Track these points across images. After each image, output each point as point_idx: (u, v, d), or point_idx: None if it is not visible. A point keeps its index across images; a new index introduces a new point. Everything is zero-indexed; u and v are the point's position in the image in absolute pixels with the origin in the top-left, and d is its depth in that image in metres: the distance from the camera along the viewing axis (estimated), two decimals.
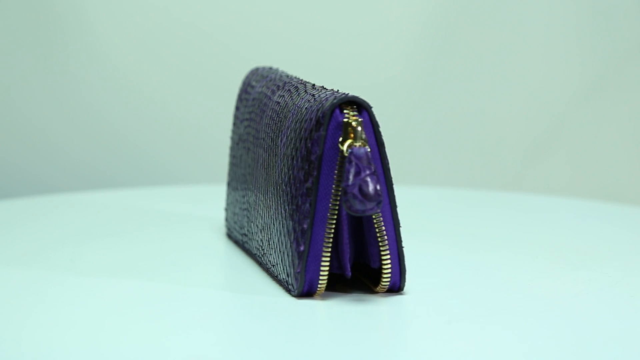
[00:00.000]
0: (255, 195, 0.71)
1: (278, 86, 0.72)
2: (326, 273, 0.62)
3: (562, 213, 0.98)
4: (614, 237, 0.85)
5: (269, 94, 0.73)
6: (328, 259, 0.61)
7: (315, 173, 0.61)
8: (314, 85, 0.67)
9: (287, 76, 0.73)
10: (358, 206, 0.58)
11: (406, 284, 0.64)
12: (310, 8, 1.27)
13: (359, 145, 0.59)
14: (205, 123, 1.25)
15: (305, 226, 0.61)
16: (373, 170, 0.58)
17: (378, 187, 0.58)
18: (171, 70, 1.24)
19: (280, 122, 0.68)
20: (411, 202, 1.00)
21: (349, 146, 0.59)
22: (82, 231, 0.84)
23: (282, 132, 0.67)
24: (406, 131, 1.28)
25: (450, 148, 1.29)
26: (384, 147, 0.61)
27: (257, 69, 0.80)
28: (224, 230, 0.82)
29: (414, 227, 0.86)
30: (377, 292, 0.64)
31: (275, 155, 0.68)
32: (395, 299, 0.62)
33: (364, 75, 1.26)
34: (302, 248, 0.62)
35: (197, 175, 1.24)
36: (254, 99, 0.76)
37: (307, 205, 0.61)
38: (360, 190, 0.58)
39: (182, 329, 0.57)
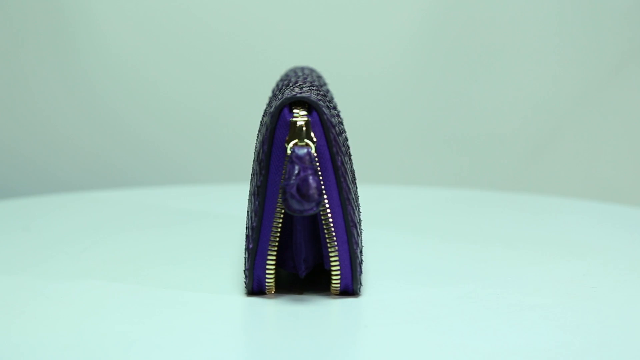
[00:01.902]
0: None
1: (283, 83, 0.72)
2: (272, 271, 0.61)
3: (562, 213, 0.95)
4: (612, 237, 0.83)
5: (276, 92, 0.73)
6: (274, 257, 0.61)
7: (264, 172, 0.61)
8: (301, 83, 0.67)
9: (299, 75, 0.73)
10: (296, 206, 0.57)
11: (376, 285, 0.63)
12: (312, 11, 1.26)
13: (302, 145, 0.59)
14: (218, 123, 1.25)
15: (254, 224, 0.61)
16: (314, 170, 0.58)
17: (318, 188, 0.58)
18: (188, 70, 1.25)
19: (262, 120, 0.68)
20: (410, 202, 0.99)
21: (293, 146, 0.59)
22: (93, 228, 0.86)
23: (260, 130, 0.68)
24: (406, 132, 1.28)
25: (451, 148, 1.28)
26: (335, 147, 0.60)
27: (292, 68, 0.81)
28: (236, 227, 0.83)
29: (409, 228, 0.85)
30: (332, 294, 0.63)
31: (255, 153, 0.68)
32: (346, 301, 0.61)
33: (366, 76, 1.26)
34: (251, 246, 0.62)
35: (214, 174, 1.25)
36: (269, 97, 0.77)
37: (257, 203, 0.61)
38: (299, 190, 0.57)
39: (113, 326, 0.58)
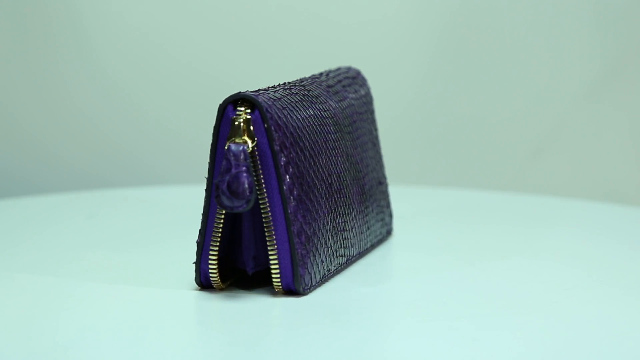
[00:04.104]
0: None
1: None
2: (215, 266, 0.62)
3: (562, 213, 0.93)
4: (612, 237, 0.81)
5: None
6: (216, 252, 0.62)
7: (209, 168, 0.62)
8: (283, 84, 0.68)
9: (312, 75, 0.74)
10: (226, 202, 0.58)
11: (336, 285, 0.64)
12: (314, 12, 1.26)
13: (239, 142, 0.60)
14: (196, 126, 1.26)
15: (202, 218, 0.63)
16: (247, 168, 0.59)
17: (249, 186, 0.58)
18: (163, 73, 1.25)
19: None
20: (409, 203, 0.98)
21: (229, 143, 0.60)
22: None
23: None
24: (406, 131, 1.26)
25: (451, 148, 1.26)
26: (278, 146, 0.61)
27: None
28: None
29: (405, 228, 0.85)
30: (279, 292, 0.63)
31: None
32: (288, 300, 0.62)
33: (367, 76, 1.25)
34: (198, 240, 0.63)
35: (185, 176, 1.25)
36: None
37: (205, 198, 0.62)
38: (229, 187, 0.58)
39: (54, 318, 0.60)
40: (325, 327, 0.57)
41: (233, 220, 0.63)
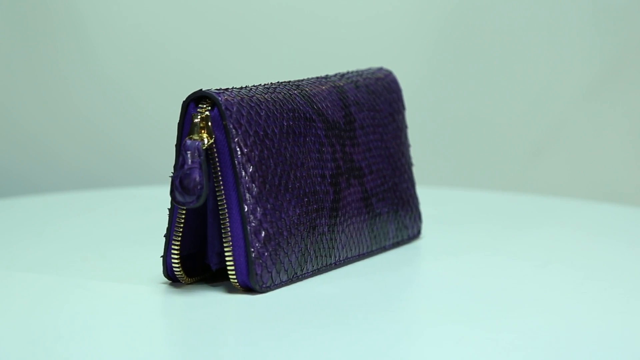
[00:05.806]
0: None
1: None
2: (177, 259, 0.63)
3: (562, 213, 0.93)
4: (612, 237, 0.81)
5: None
6: (177, 246, 0.63)
7: (174, 164, 0.63)
8: (274, 83, 0.69)
9: (325, 75, 0.74)
10: (178, 198, 0.60)
11: (310, 284, 0.64)
12: (314, 11, 1.26)
13: (195, 139, 0.61)
14: None
15: (168, 214, 0.64)
16: (200, 165, 0.60)
17: (200, 182, 0.59)
18: (163, 73, 1.25)
19: None
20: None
21: (186, 139, 0.61)
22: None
23: None
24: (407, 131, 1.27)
25: (451, 148, 1.26)
26: (236, 144, 0.61)
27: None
28: None
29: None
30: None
31: None
32: (245, 297, 0.62)
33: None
34: (165, 233, 0.64)
35: None
36: None
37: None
38: (181, 182, 0.59)
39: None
40: (263, 325, 0.58)
41: (205, 217, 0.64)
